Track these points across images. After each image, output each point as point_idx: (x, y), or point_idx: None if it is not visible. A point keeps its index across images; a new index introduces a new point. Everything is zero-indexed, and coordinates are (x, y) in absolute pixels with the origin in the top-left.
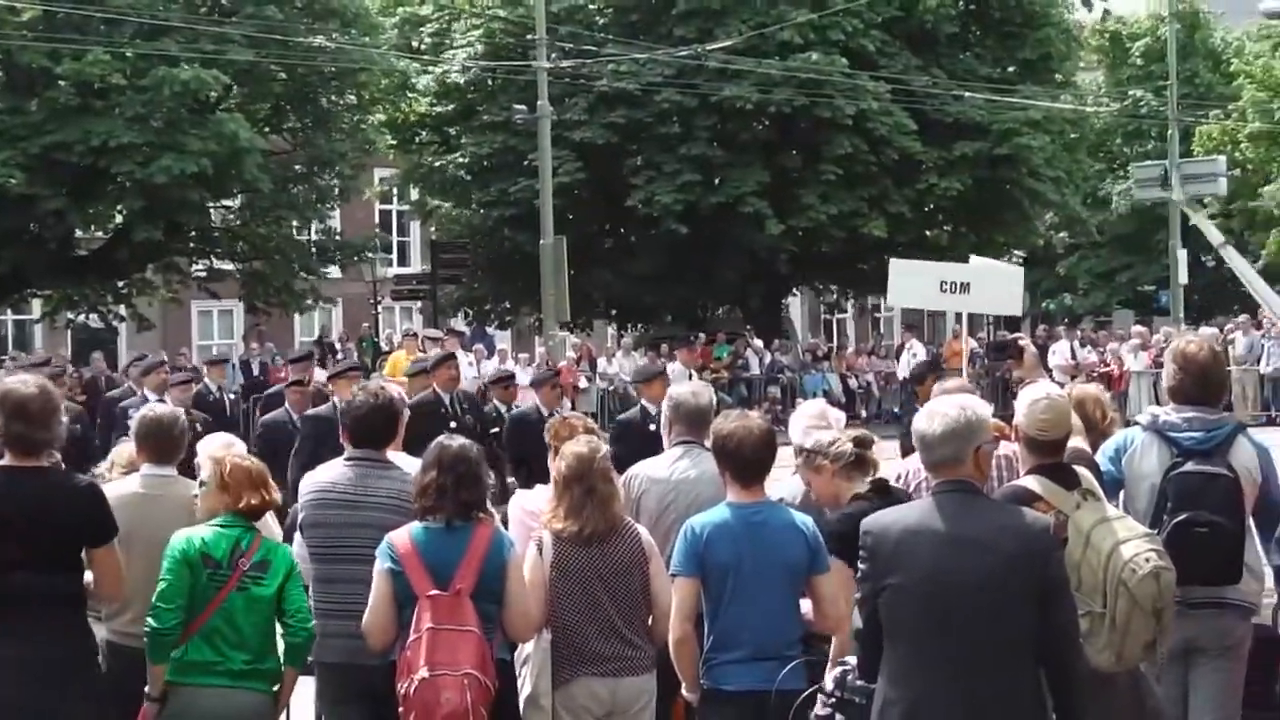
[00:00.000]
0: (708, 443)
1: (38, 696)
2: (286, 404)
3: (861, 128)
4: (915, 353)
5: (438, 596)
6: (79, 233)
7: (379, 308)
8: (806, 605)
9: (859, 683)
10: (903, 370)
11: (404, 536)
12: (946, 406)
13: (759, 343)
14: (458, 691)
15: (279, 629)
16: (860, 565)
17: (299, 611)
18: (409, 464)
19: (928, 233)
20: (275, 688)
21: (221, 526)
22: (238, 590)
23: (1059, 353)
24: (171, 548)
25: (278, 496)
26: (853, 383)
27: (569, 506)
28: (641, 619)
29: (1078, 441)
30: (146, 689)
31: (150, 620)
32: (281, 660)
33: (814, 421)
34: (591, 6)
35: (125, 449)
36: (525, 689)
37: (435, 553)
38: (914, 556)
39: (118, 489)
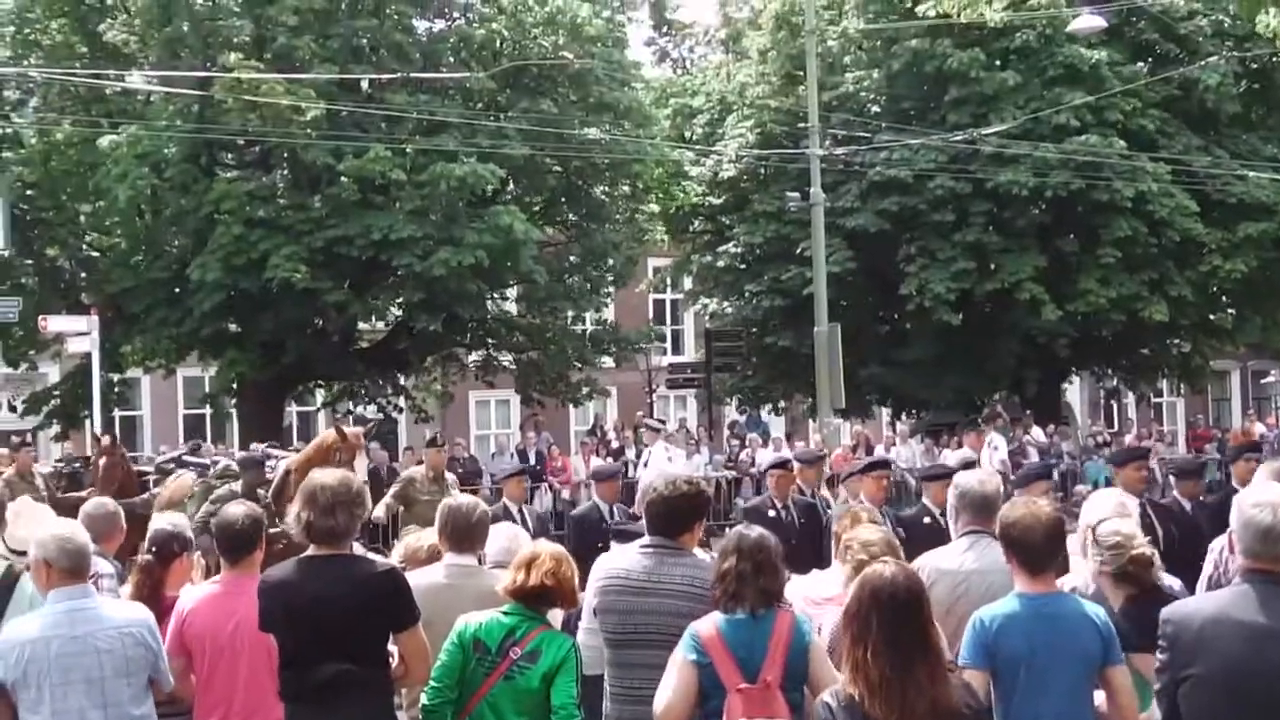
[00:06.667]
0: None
1: None
2: (596, 498)
3: (1141, 210)
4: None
5: (749, 689)
6: (360, 325)
7: (653, 396)
8: (1100, 698)
9: None
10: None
11: (710, 628)
12: None
13: (1038, 430)
14: None
15: None
16: (1159, 655)
17: (562, 707)
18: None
19: (1211, 316)
20: None
21: (503, 614)
22: (504, 679)
23: None
24: (453, 629)
25: (568, 584)
26: None
27: None
28: None
29: None
30: None
31: (422, 696)
32: None
33: (1115, 510)
34: (864, 94)
35: (414, 541)
36: None
37: (741, 644)
38: (1216, 646)
39: (422, 578)
